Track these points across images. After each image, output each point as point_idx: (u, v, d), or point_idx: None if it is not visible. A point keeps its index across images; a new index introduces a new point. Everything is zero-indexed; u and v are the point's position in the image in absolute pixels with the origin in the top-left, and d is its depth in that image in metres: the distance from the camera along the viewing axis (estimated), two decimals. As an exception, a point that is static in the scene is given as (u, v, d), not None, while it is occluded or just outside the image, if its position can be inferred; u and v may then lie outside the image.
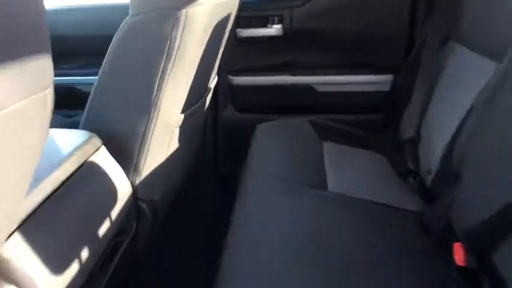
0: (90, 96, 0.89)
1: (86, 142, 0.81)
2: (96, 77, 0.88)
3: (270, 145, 1.21)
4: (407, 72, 1.24)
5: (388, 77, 1.37)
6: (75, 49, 1.58)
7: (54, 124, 1.43)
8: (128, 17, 0.83)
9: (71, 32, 1.55)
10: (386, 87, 1.38)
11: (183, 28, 0.81)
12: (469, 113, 0.84)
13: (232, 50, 1.34)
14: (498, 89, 0.75)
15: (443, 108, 1.01)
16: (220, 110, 1.51)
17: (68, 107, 1.33)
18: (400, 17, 1.30)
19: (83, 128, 0.89)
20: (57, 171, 0.71)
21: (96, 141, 0.83)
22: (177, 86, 0.89)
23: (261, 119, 1.37)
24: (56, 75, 1.47)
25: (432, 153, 0.96)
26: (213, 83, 1.26)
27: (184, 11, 0.80)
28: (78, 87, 1.58)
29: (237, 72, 1.46)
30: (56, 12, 1.58)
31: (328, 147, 1.20)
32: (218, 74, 1.32)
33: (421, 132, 1.07)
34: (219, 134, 1.54)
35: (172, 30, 0.80)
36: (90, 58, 1.49)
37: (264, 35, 1.39)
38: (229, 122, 1.53)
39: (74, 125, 0.93)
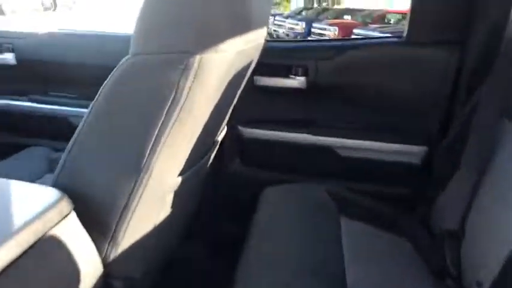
0: (69, 144, 0.71)
1: (51, 207, 0.63)
2: None
3: (278, 217, 1.02)
4: (447, 148, 1.07)
5: (420, 149, 1.20)
6: (75, 77, 1.44)
7: (38, 158, 1.26)
8: (127, 56, 0.67)
9: (72, 59, 1.41)
10: (417, 160, 1.21)
11: (194, 78, 0.65)
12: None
13: (246, 98, 1.19)
14: None
15: (498, 201, 0.83)
16: (226, 164, 1.34)
17: (59, 138, 1.18)
18: (441, 81, 1.15)
19: (55, 184, 0.71)
20: (6, 246, 0.53)
21: (65, 205, 0.65)
22: (178, 145, 0.72)
23: (271, 178, 1.19)
24: (50, 103, 1.30)
25: (483, 260, 0.77)
26: (221, 135, 1.10)
27: (198, 57, 0.64)
28: (72, 119, 1.43)
29: (249, 124, 1.30)
30: (56, 37, 1.46)
31: (347, 225, 1.01)
32: (227, 123, 1.16)
33: (465, 227, 0.89)
34: (221, 190, 1.36)
35: (180, 79, 0.64)
36: (90, 89, 1.36)
37: (285, 85, 1.24)
38: (234, 178, 1.35)
39: (58, 163, 0.76)
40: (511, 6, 0.99)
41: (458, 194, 0.93)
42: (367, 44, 1.25)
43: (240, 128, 1.30)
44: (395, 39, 1.22)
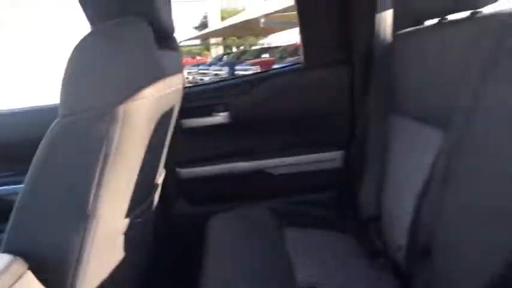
0: (13, 211, 0.76)
1: (5, 269, 0.67)
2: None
3: (227, 239, 1.11)
4: (356, 148, 1.24)
5: (338, 154, 1.37)
6: (5, 155, 1.44)
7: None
8: (57, 119, 0.75)
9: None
10: (338, 164, 1.38)
11: (122, 126, 0.74)
12: (427, 185, 0.83)
13: (178, 142, 1.29)
14: (452, 158, 0.74)
15: (398, 181, 1.00)
16: (170, 206, 1.41)
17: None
18: (339, 95, 1.35)
19: (5, 250, 0.75)
20: None
21: (20, 266, 0.69)
22: (119, 187, 0.80)
23: (216, 210, 1.28)
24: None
25: (398, 229, 0.92)
26: (160, 178, 1.18)
27: (121, 107, 0.74)
28: (5, 197, 1.42)
29: (186, 164, 1.40)
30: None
31: (290, 233, 1.13)
32: (166, 167, 1.25)
33: (381, 208, 1.04)
34: (171, 232, 1.42)
35: (108, 130, 0.73)
36: (16, 165, 1.37)
37: (210, 123, 1.37)
38: (181, 218, 1.42)
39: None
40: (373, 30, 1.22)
41: (370, 185, 1.09)
42: (273, 74, 1.43)
43: (178, 170, 1.39)
44: (296, 66, 1.42)
